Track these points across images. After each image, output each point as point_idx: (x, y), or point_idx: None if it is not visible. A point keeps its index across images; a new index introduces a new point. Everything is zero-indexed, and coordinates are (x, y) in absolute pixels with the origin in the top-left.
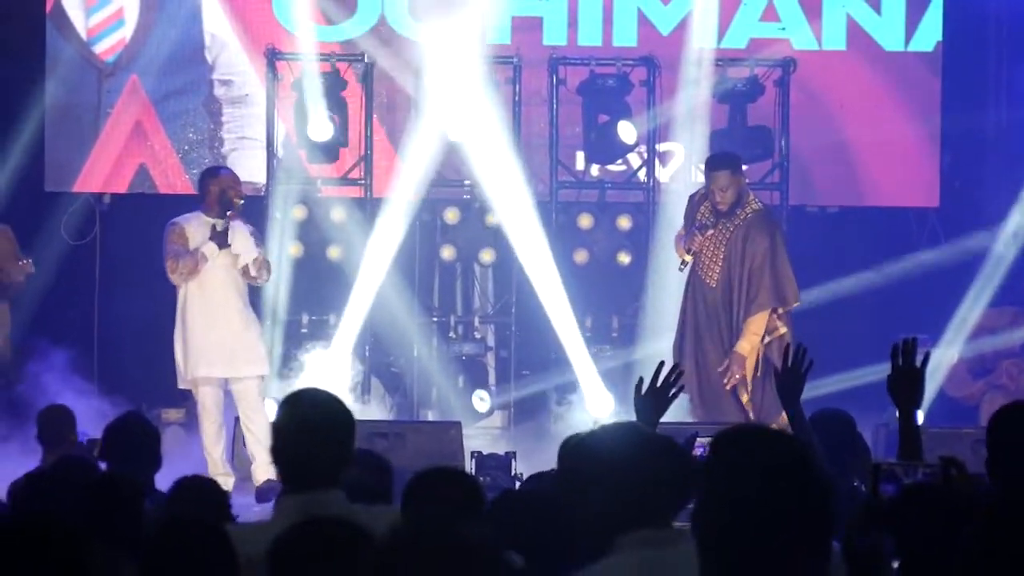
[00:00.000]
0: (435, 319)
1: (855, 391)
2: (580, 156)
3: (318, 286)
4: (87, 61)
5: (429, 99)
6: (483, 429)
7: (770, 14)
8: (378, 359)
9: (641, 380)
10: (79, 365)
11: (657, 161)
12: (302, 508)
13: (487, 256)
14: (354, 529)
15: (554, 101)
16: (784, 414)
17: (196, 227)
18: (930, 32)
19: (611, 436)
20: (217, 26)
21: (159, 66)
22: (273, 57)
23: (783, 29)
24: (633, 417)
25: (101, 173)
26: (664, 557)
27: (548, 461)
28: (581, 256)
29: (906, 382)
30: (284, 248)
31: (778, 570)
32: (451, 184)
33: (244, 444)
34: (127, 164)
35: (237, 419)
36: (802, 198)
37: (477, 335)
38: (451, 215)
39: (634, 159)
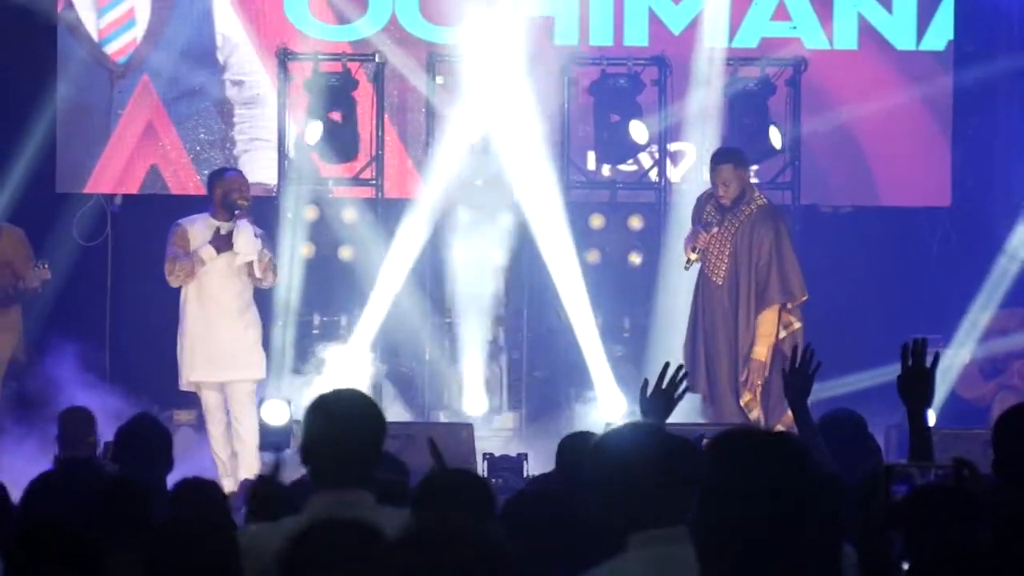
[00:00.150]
0: (447, 320)
1: (867, 392)
2: (591, 156)
3: (329, 286)
4: (98, 62)
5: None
6: (495, 431)
7: (781, 13)
8: (389, 360)
9: (646, 381)
10: (91, 367)
11: (668, 161)
12: (331, 508)
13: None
14: (365, 530)
15: (565, 101)
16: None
17: (200, 229)
18: (942, 31)
19: (629, 436)
20: (229, 27)
21: (170, 67)
22: (284, 57)
23: (794, 28)
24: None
25: (113, 174)
26: (676, 554)
27: None
28: (592, 256)
29: (916, 383)
30: (296, 248)
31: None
32: (462, 184)
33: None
34: (139, 165)
35: None
36: (813, 198)
37: (489, 337)
38: (463, 215)
39: (645, 159)
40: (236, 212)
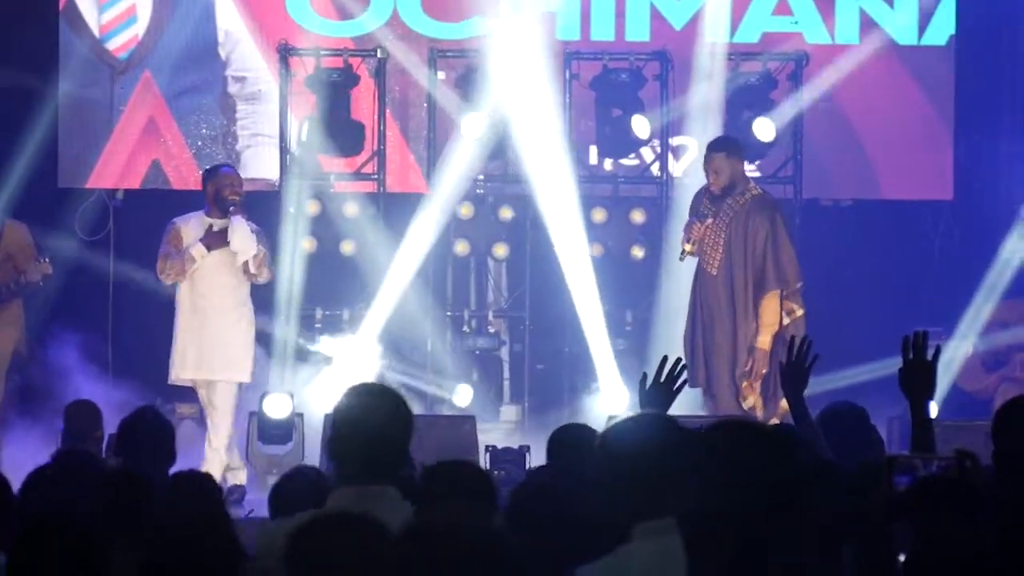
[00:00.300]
0: (449, 314)
1: (869, 385)
2: (593, 150)
3: (331, 281)
4: (100, 58)
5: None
6: (498, 423)
7: (783, 8)
8: (392, 353)
9: (645, 375)
10: (94, 360)
11: (670, 155)
12: (357, 502)
13: (500, 250)
14: (367, 524)
15: (567, 96)
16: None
17: (193, 227)
18: (943, 25)
19: (633, 428)
20: (230, 22)
21: (172, 63)
22: (286, 53)
23: (796, 23)
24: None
25: (114, 169)
26: (680, 543)
27: None
28: (595, 250)
29: (917, 375)
30: (298, 243)
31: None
32: (464, 178)
33: (250, 439)
34: (140, 160)
35: (252, 413)
36: (815, 191)
37: (491, 329)
38: (464, 210)
39: (647, 153)
40: (230, 209)
